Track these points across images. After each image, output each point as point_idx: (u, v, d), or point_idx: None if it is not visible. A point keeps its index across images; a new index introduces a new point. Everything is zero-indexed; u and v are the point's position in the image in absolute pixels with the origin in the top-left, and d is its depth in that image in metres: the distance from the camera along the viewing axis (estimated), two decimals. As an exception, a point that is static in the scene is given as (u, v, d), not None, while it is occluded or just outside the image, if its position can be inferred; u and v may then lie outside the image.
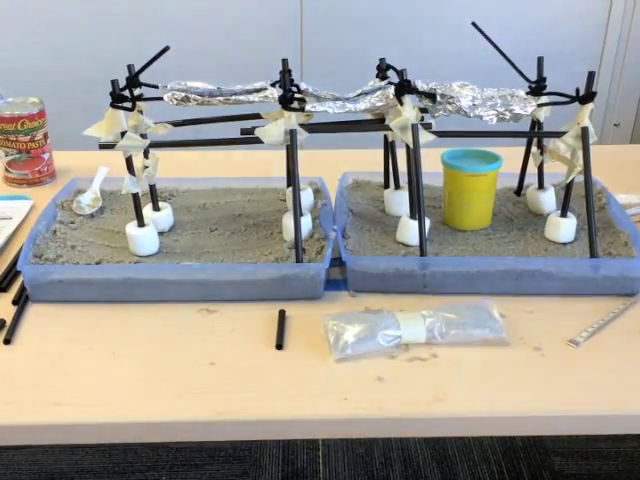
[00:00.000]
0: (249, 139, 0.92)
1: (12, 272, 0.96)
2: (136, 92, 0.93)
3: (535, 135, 1.05)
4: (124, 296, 0.91)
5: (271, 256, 0.94)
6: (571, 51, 2.56)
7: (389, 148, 1.04)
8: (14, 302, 0.91)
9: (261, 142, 0.91)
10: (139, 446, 1.73)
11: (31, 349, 0.84)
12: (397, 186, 1.05)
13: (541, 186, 1.06)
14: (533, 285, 0.92)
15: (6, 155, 1.20)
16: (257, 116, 0.96)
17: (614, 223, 1.01)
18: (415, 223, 0.94)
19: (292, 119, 0.90)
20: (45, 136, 1.21)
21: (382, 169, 1.06)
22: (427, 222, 0.95)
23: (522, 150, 1.08)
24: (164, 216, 1.01)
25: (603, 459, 1.71)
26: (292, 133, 0.90)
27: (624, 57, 2.66)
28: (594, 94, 0.91)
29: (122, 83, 0.92)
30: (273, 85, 0.92)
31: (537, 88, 0.97)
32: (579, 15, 2.59)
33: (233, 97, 0.91)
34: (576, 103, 0.92)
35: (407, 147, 0.92)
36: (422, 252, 0.93)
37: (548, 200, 1.05)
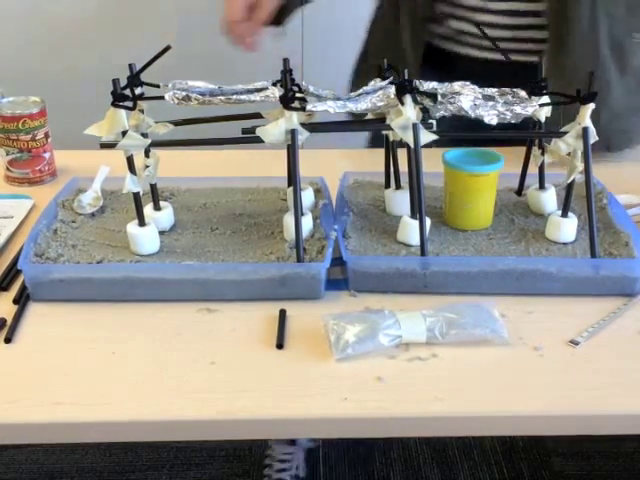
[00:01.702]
0: (250, 138, 0.92)
1: (13, 271, 0.96)
2: (137, 91, 0.93)
3: (536, 135, 1.05)
4: (125, 295, 0.91)
5: (272, 256, 0.94)
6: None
7: (390, 148, 1.04)
8: (15, 301, 0.91)
9: (262, 142, 0.91)
10: (139, 446, 1.73)
11: (31, 348, 0.84)
12: (398, 186, 1.05)
13: (542, 186, 1.06)
14: (534, 285, 0.92)
15: (7, 154, 1.20)
16: (258, 115, 0.96)
17: (615, 223, 1.01)
18: (416, 223, 0.94)
19: (293, 118, 0.90)
20: (46, 135, 1.21)
21: (383, 169, 1.06)
22: (428, 222, 0.95)
23: (523, 150, 1.08)
24: (165, 215, 1.01)
25: (603, 459, 1.71)
26: (293, 132, 0.90)
27: (625, 57, 2.65)
28: (595, 94, 0.91)
29: (123, 82, 0.92)
30: (274, 85, 0.92)
31: (538, 88, 0.97)
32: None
33: (234, 96, 0.91)
34: (577, 103, 0.92)
35: (408, 147, 0.92)
36: (423, 252, 0.93)
37: (549, 200, 1.05)
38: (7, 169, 1.21)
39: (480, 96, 0.91)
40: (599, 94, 0.89)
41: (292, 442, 1.63)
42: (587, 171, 0.92)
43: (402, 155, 0.99)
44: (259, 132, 0.91)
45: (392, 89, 0.92)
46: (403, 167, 1.00)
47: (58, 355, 0.82)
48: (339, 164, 1.17)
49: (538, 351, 0.83)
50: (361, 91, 0.93)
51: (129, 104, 0.90)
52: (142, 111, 0.94)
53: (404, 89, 0.91)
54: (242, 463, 1.70)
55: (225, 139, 0.94)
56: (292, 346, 0.84)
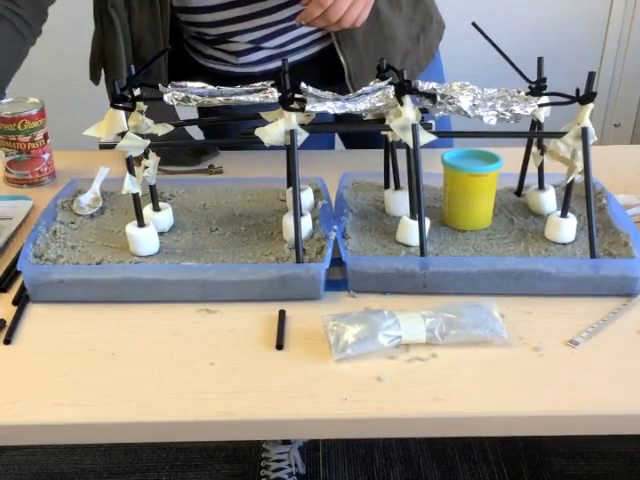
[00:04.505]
0: (249, 139, 0.91)
1: (12, 272, 0.96)
2: (136, 92, 0.93)
3: (535, 135, 1.05)
4: (124, 296, 0.91)
5: (271, 256, 0.94)
6: (571, 51, 2.56)
7: (389, 148, 1.04)
8: (14, 302, 0.91)
9: (261, 142, 0.91)
10: (139, 446, 1.73)
11: (31, 349, 0.84)
12: (397, 186, 1.05)
13: (541, 186, 1.06)
14: (533, 285, 0.92)
15: (6, 155, 1.20)
16: (257, 116, 0.96)
17: (614, 223, 1.01)
18: (415, 223, 0.94)
19: (292, 119, 0.90)
20: (45, 136, 1.21)
21: (382, 169, 1.06)
22: (427, 222, 0.95)
23: (522, 150, 1.08)
24: (164, 216, 1.01)
25: (603, 460, 1.71)
26: (292, 133, 0.90)
27: (624, 57, 2.66)
28: (594, 94, 0.91)
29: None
30: (273, 85, 0.92)
31: (537, 88, 0.97)
32: (579, 15, 2.59)
33: (233, 97, 0.91)
34: (576, 103, 0.92)
35: (407, 147, 0.92)
36: (422, 252, 0.93)
37: (548, 200, 1.05)
38: (6, 170, 1.21)
39: (479, 96, 0.92)
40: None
41: (286, 441, 1.63)
42: (586, 171, 0.92)
43: (402, 155, 0.99)
44: (258, 133, 0.91)
45: (391, 89, 0.92)
46: (402, 167, 1.00)
47: (57, 356, 0.82)
48: (338, 164, 1.17)
49: (538, 351, 0.83)
50: (360, 91, 0.93)
51: (128, 105, 0.90)
52: (141, 112, 0.94)
53: (403, 89, 0.91)
54: (242, 464, 1.70)
55: (224, 140, 0.94)
56: (292, 347, 0.84)
